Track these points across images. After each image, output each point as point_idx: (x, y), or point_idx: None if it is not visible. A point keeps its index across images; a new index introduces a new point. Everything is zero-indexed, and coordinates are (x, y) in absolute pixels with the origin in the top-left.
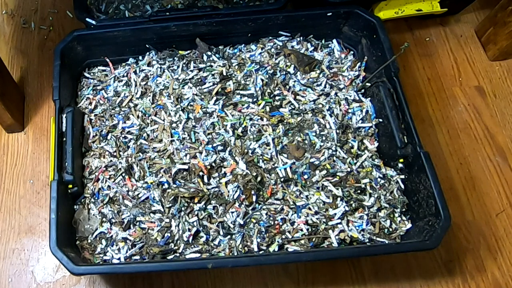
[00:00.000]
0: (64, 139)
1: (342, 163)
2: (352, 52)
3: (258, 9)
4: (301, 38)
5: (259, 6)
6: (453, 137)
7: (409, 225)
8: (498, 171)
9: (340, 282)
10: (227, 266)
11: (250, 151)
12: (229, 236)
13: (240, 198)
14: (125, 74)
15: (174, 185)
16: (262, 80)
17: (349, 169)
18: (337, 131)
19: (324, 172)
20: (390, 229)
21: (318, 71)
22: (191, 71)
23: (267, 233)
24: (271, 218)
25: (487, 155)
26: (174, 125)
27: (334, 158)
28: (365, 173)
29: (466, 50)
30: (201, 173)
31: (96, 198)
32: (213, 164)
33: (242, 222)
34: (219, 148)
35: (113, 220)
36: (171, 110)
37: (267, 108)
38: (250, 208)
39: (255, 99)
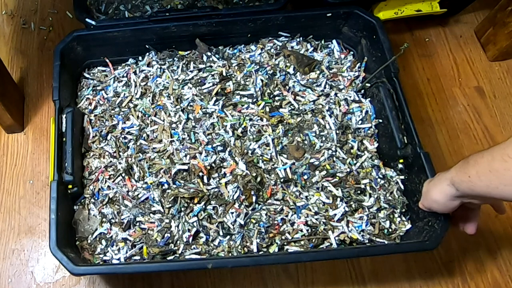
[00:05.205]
0: (64, 139)
1: (342, 164)
2: (351, 52)
3: (258, 10)
4: (301, 38)
5: (259, 6)
6: (453, 138)
7: (408, 226)
8: None
9: (340, 282)
10: (227, 266)
11: (250, 152)
12: (228, 237)
13: (240, 198)
14: (125, 75)
15: (174, 186)
16: (262, 80)
17: (348, 170)
18: (337, 131)
19: (324, 172)
20: (390, 230)
21: (317, 72)
22: (191, 71)
23: (267, 234)
24: (271, 219)
25: None
26: (174, 125)
27: (334, 158)
28: (365, 173)
29: (465, 50)
30: (201, 174)
31: (96, 199)
32: (213, 165)
33: (242, 223)
34: (219, 148)
35: (113, 221)
36: (171, 111)
37: (267, 109)
38: (250, 208)
39: (254, 100)
